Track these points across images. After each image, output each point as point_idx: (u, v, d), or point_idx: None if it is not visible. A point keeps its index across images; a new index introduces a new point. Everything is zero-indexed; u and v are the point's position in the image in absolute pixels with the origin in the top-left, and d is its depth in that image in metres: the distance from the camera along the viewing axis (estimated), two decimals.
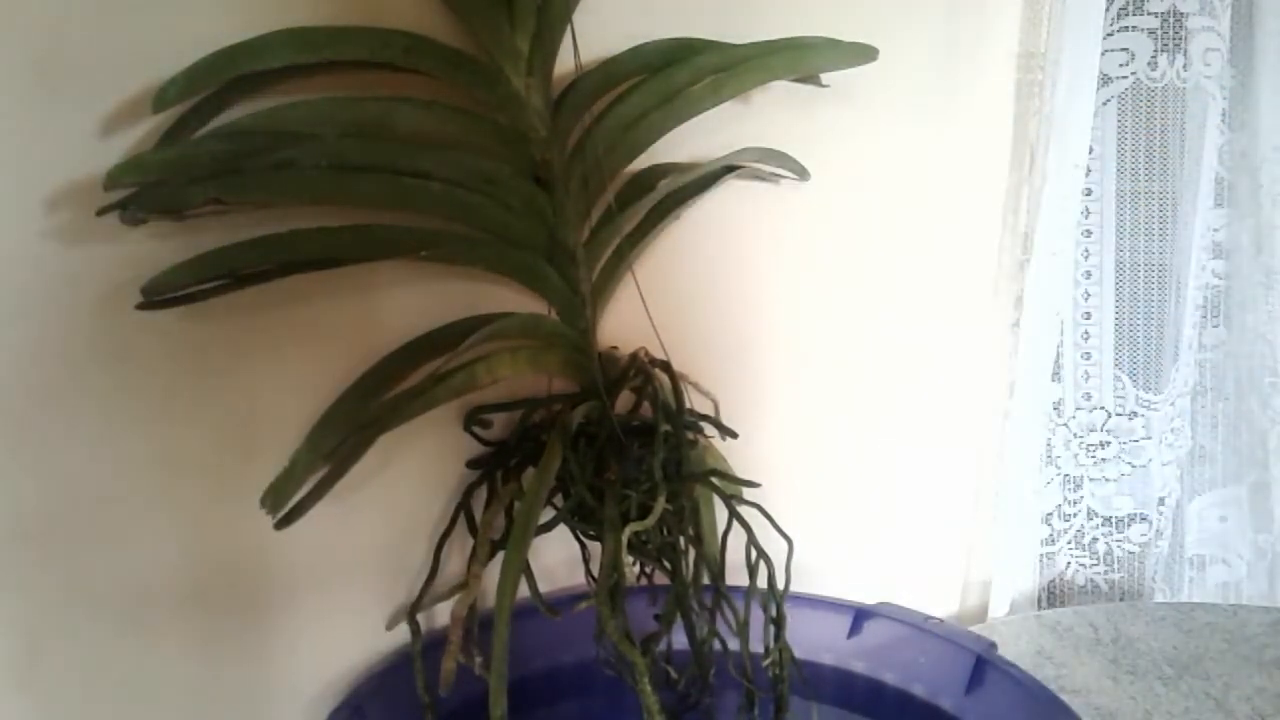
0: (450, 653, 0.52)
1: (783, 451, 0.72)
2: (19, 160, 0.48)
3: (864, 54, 0.59)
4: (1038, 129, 0.73)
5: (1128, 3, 0.74)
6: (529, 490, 0.53)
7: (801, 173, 0.65)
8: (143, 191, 0.46)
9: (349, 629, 0.60)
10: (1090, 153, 0.75)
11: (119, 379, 0.51)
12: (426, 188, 0.51)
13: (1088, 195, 0.78)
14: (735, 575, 0.55)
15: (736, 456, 0.60)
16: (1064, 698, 0.56)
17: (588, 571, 0.60)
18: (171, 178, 0.46)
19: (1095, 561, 0.83)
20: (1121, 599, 0.84)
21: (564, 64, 0.55)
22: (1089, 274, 0.80)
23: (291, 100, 0.49)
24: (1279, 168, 0.79)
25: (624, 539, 0.50)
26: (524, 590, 0.51)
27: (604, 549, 0.50)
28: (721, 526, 0.55)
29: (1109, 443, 0.81)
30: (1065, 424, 0.81)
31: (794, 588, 0.55)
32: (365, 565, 0.60)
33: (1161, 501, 0.82)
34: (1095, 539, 0.83)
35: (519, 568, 0.50)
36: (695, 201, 0.61)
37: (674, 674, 0.55)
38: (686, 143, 0.60)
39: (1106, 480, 0.82)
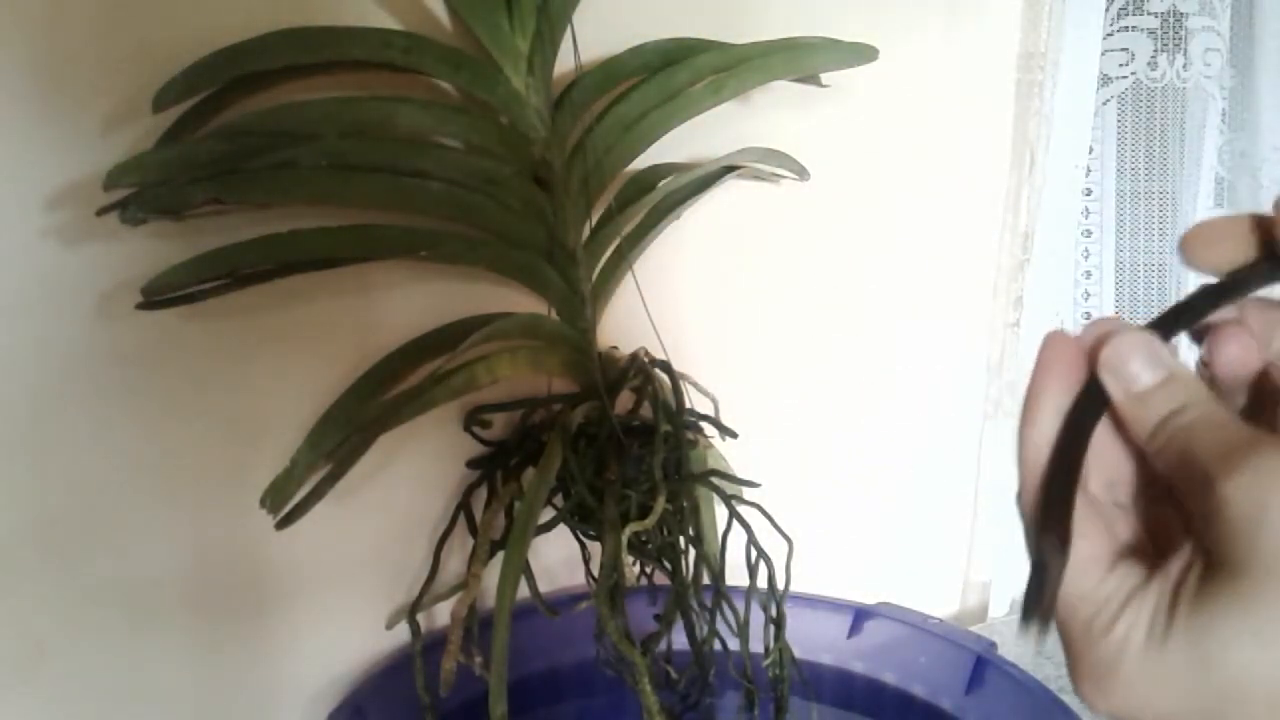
0: (450, 653, 0.52)
1: (783, 451, 0.72)
2: (19, 159, 0.48)
3: (864, 54, 0.59)
4: (1038, 129, 0.73)
5: (1128, 3, 0.74)
6: (529, 490, 0.53)
7: (801, 173, 0.65)
8: (143, 191, 0.46)
9: (349, 629, 0.60)
10: (1090, 153, 0.75)
11: (119, 379, 0.51)
12: (426, 188, 0.51)
13: (1088, 195, 0.78)
14: (735, 575, 0.55)
15: (736, 456, 0.60)
16: (1064, 698, 0.56)
17: (588, 571, 0.60)
18: (171, 178, 0.46)
19: None
20: None
21: (564, 64, 0.55)
22: (1089, 274, 0.80)
23: (291, 100, 0.49)
24: (1279, 168, 0.79)
25: (624, 539, 0.50)
26: (524, 590, 0.51)
27: (604, 549, 0.50)
28: (721, 526, 0.55)
29: None
30: None
31: (794, 588, 0.55)
32: (365, 565, 0.60)
33: None
34: None
35: (519, 568, 0.50)
36: (695, 201, 0.61)
37: (674, 674, 0.55)
38: (686, 143, 0.60)
39: None
